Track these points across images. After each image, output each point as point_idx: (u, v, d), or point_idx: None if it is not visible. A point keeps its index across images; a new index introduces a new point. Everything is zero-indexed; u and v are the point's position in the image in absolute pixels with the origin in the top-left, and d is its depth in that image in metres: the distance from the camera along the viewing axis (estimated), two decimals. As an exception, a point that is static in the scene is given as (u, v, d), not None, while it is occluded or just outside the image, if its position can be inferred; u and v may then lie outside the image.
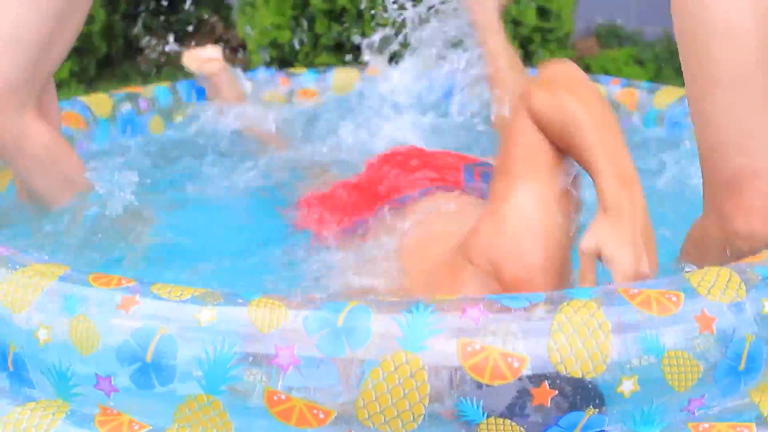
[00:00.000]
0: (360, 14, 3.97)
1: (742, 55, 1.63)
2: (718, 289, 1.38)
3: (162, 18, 5.46)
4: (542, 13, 4.10)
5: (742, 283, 1.40)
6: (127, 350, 1.35)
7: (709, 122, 1.69)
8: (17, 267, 1.48)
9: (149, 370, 1.33)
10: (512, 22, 3.98)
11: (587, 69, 4.11)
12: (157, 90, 3.03)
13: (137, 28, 5.35)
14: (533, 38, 4.11)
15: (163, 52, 5.36)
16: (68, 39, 2.22)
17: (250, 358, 1.29)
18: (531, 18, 3.97)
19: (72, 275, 1.44)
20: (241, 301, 1.34)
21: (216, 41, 5.31)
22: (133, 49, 5.34)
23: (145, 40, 5.30)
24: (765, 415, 1.38)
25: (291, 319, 1.31)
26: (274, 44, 4.19)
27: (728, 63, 1.64)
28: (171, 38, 4.76)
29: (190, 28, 5.42)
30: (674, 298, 1.35)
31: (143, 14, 5.40)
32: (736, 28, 1.63)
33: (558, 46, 4.12)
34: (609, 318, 1.30)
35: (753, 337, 1.38)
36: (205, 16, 5.60)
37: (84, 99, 2.85)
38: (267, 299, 1.34)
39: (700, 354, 1.33)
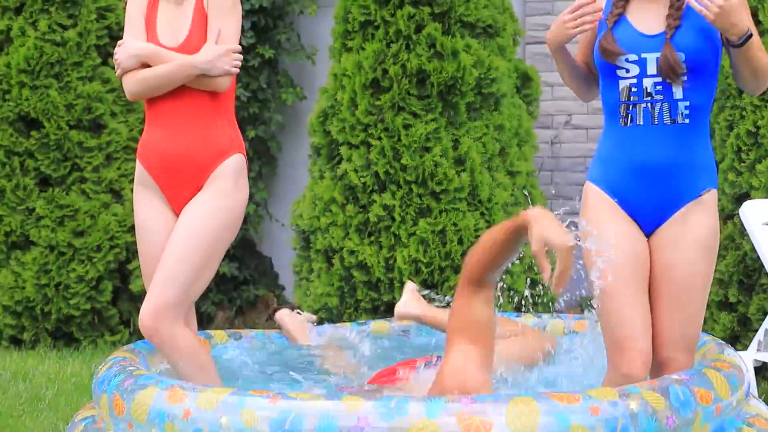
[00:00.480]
0: (392, 283, 5.21)
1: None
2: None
3: (228, 295, 6.75)
4: (533, 283, 5.33)
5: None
6: None
7: (602, 307, 2.91)
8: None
9: None
10: (507, 290, 5.20)
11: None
12: (255, 333, 4.29)
13: (207, 305, 6.60)
14: (524, 304, 5.31)
15: (227, 319, 6.61)
16: (214, 269, 3.43)
17: None
18: (522, 285, 5.20)
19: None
20: None
21: (272, 311, 6.58)
22: (203, 320, 6.55)
23: (216, 314, 6.57)
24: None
25: None
26: (324, 308, 5.41)
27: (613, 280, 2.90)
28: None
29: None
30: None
31: (212, 291, 6.67)
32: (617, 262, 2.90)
33: (545, 310, 5.30)
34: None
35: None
36: (262, 293, 6.89)
37: (210, 331, 4.12)
38: None
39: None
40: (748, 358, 4.60)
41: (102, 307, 5.88)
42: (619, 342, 2.95)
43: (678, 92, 3.01)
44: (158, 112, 3.39)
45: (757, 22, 5.06)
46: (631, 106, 3.04)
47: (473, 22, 5.38)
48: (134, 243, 5.80)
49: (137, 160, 3.48)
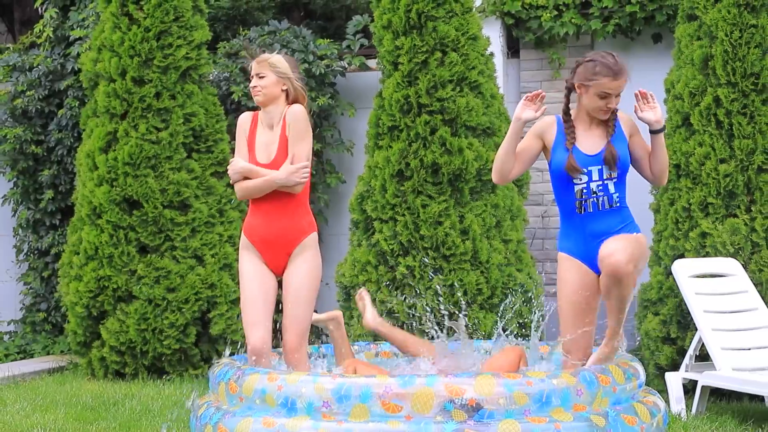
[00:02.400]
0: (412, 325, 6.79)
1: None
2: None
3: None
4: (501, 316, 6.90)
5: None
6: None
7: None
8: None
9: None
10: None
11: None
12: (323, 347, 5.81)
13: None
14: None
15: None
16: (313, 309, 4.98)
17: None
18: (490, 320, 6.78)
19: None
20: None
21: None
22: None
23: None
24: None
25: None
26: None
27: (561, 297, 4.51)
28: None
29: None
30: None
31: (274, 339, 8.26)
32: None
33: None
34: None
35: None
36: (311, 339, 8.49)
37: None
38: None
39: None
40: (678, 377, 6.15)
41: (187, 347, 7.49)
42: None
43: (612, 188, 4.60)
44: (259, 206, 4.97)
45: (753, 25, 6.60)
46: (583, 201, 4.61)
47: (474, 126, 7.03)
48: (214, 296, 7.45)
49: (243, 234, 5.04)
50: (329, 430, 4.01)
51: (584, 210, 4.60)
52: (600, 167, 4.58)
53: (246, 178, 4.95)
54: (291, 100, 5.01)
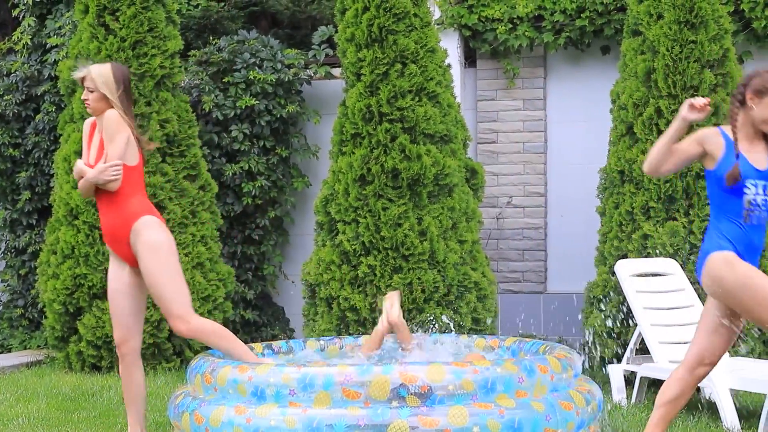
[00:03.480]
0: (374, 321, 7.23)
1: None
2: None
3: (251, 335, 8.77)
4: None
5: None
6: None
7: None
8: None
9: None
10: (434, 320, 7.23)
11: None
12: (281, 343, 6.21)
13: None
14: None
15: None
16: (181, 273, 5.20)
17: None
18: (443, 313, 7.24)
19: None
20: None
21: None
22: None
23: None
24: None
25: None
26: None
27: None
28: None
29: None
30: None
31: (239, 333, 8.69)
32: None
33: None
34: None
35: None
36: (277, 332, 8.92)
37: (251, 344, 6.05)
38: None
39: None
40: (620, 369, 6.63)
41: (161, 342, 7.89)
42: None
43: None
44: (98, 205, 5.29)
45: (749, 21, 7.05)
46: (750, 212, 4.68)
47: (432, 133, 7.47)
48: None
49: None
50: (294, 416, 4.44)
51: (750, 220, 4.70)
52: (765, 183, 4.70)
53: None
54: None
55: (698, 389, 6.78)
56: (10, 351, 9.19)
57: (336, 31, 8.96)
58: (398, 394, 4.41)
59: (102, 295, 7.84)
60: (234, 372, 4.72)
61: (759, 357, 6.91)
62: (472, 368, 4.53)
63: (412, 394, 4.40)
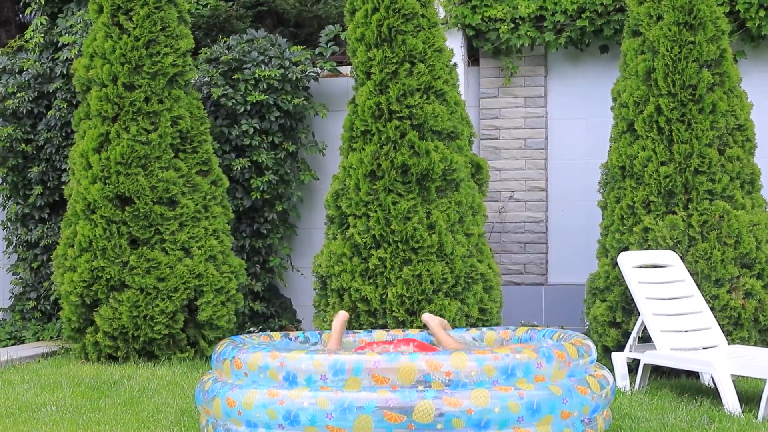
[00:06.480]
0: (384, 311, 7.48)
1: None
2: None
3: (259, 326, 9.01)
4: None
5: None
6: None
7: None
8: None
9: None
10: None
11: None
12: (298, 333, 6.45)
13: (244, 334, 8.84)
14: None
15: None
16: None
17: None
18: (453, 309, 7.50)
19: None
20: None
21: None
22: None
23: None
24: None
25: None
26: (337, 330, 7.66)
27: None
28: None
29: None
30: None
31: (248, 323, 8.93)
32: None
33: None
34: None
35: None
36: (284, 323, 9.17)
37: (269, 332, 6.29)
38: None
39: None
40: (623, 356, 6.91)
41: (176, 332, 8.12)
42: None
43: None
44: None
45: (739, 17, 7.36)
46: None
47: (440, 130, 7.72)
48: (201, 285, 8.09)
49: None
50: (327, 398, 4.69)
51: None
52: None
53: None
54: None
55: (698, 375, 7.07)
56: (23, 342, 9.40)
57: (343, 30, 9.23)
58: (424, 379, 4.66)
59: (119, 287, 8.07)
60: (266, 357, 4.96)
61: (755, 345, 7.19)
62: (492, 355, 4.79)
63: (437, 380, 4.65)
